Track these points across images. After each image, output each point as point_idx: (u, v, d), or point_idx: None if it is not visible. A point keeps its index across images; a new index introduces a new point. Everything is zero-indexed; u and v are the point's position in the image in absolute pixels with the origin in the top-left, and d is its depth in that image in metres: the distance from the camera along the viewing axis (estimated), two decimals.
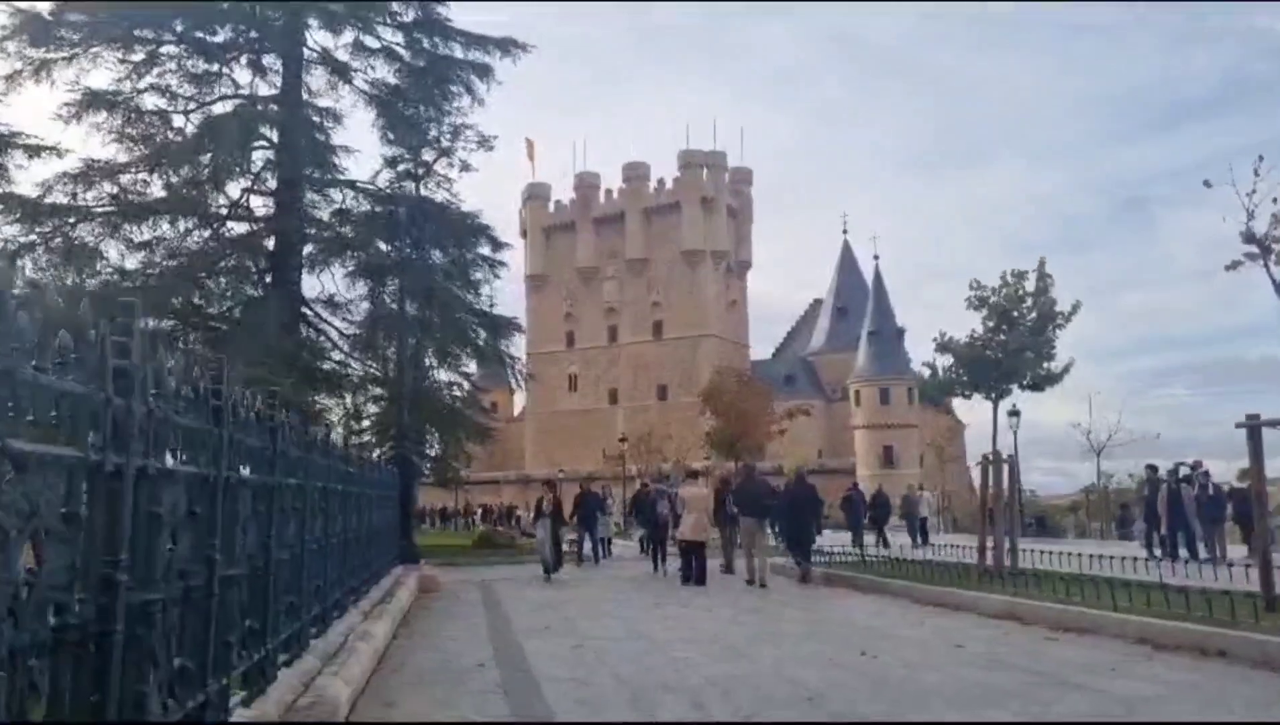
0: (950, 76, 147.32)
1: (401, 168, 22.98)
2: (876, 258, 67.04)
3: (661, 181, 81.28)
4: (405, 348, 14.84)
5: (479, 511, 50.75)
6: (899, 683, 5.53)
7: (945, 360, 13.24)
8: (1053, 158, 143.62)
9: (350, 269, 21.58)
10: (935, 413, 70.76)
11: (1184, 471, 16.64)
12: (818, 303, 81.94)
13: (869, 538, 20.61)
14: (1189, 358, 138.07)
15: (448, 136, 25.04)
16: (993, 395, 11.04)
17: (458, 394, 24.59)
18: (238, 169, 20.03)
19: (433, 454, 26.32)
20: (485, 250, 25.66)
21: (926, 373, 13.35)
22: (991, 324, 17.06)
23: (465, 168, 25.03)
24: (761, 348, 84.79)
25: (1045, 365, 11.30)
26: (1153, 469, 17.24)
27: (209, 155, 19.81)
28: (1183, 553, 15.51)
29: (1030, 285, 11.26)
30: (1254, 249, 11.39)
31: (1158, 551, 15.94)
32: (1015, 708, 4.91)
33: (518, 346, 28.55)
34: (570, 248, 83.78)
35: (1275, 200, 11.86)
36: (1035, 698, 5.10)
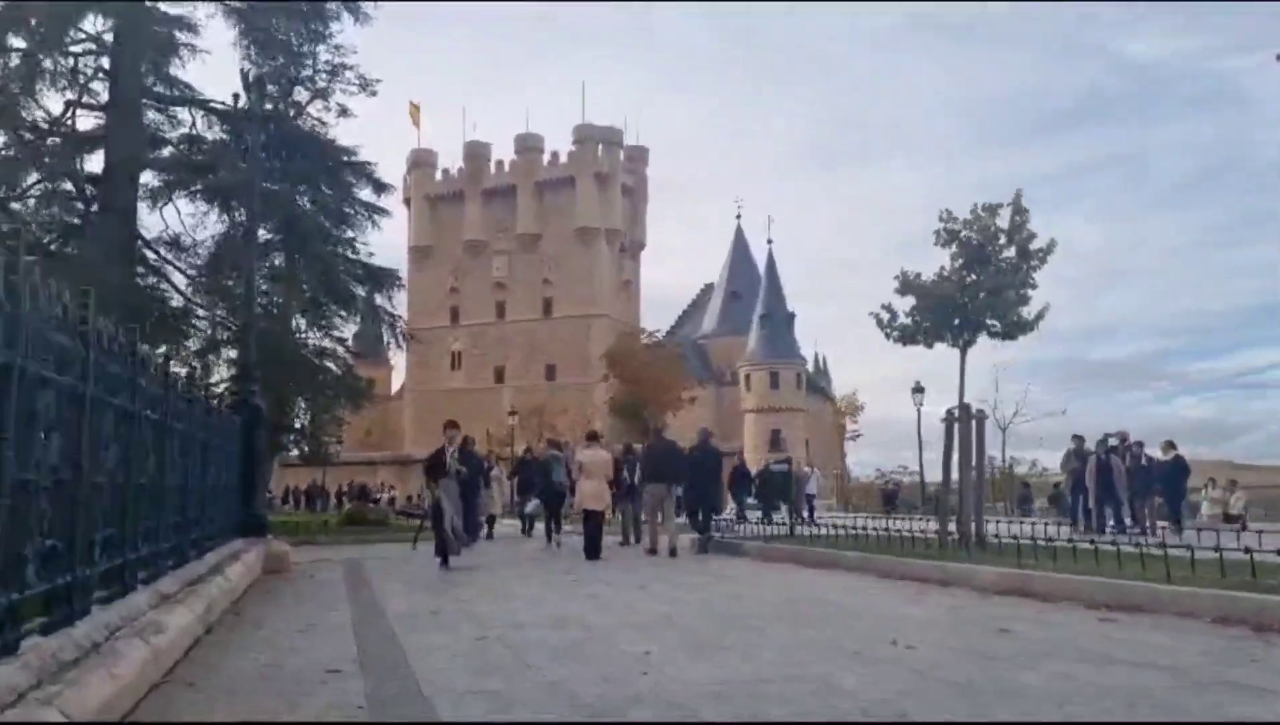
0: (843, 74, 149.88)
1: (269, 90, 19.88)
2: (770, 242, 66.48)
3: (555, 155, 78.49)
4: (253, 275, 12.12)
5: (340, 490, 46.46)
6: (993, 687, 3.65)
7: (906, 303, 11.55)
8: (935, 159, 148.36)
9: (196, 191, 18.34)
10: (821, 399, 71.35)
11: (1112, 442, 15.80)
12: (710, 287, 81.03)
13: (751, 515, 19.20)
14: (1045, 353, 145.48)
15: (324, 75, 22.21)
16: (961, 341, 9.65)
17: (327, 347, 21.64)
18: (57, 67, 16.60)
19: (299, 427, 23.28)
20: (366, 193, 22.92)
21: (884, 317, 11.68)
22: (961, 262, 15.56)
23: (344, 113, 22.21)
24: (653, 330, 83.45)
25: (1019, 310, 9.98)
26: (1079, 440, 16.34)
27: (18, 54, 16.39)
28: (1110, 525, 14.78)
29: (1004, 221, 9.90)
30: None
31: (1081, 526, 15.15)
32: (1198, 714, 3.12)
33: (399, 305, 25.83)
34: (458, 219, 79.99)
35: None
36: (1210, 704, 3.31)
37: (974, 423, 9.85)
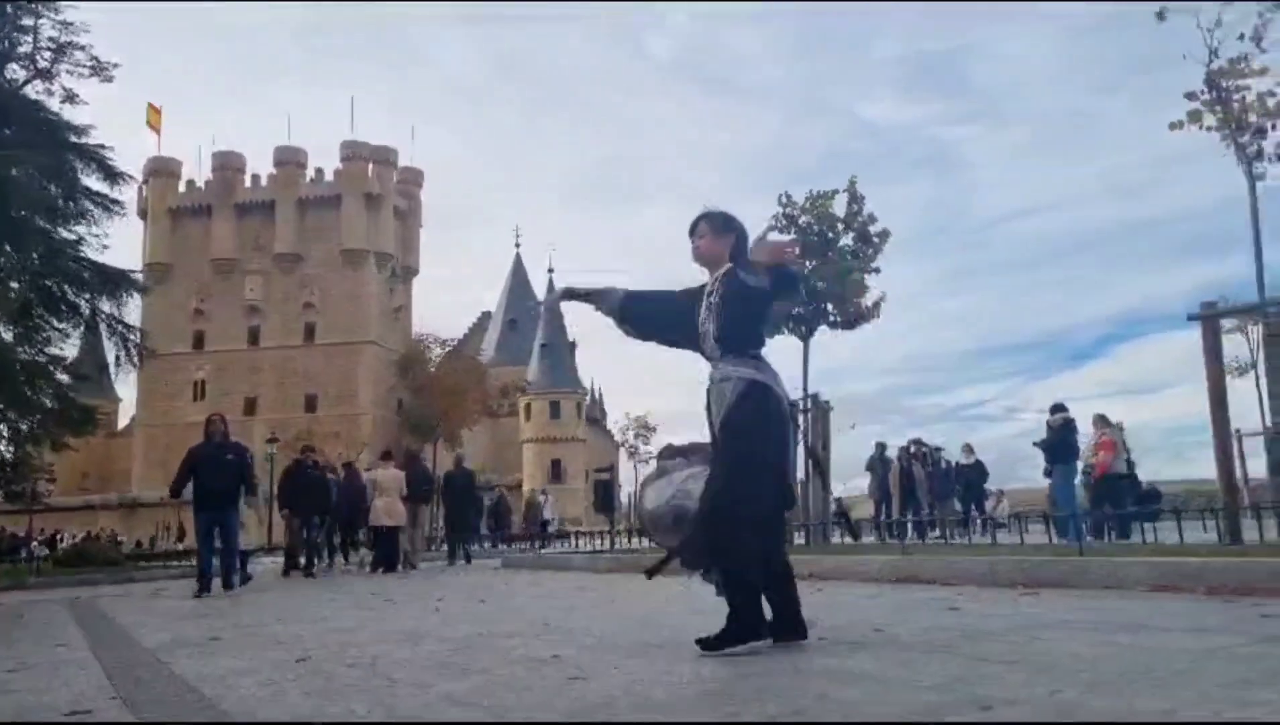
0: (609, 115, 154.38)
1: None
2: (551, 271, 66.02)
3: (320, 171, 73.54)
4: None
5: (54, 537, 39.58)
6: (1059, 666, 2.78)
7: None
8: (694, 203, 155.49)
9: None
10: (600, 431, 71.41)
11: (913, 449, 16.29)
12: (487, 315, 79.12)
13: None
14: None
15: (46, 53, 18.83)
16: (802, 329, 9.29)
17: (38, 359, 17.97)
18: None
19: None
20: (95, 181, 19.49)
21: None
22: (798, 250, 15.90)
23: (70, 98, 18.94)
24: None
25: (857, 300, 9.79)
26: (881, 447, 16.71)
27: None
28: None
29: (841, 208, 9.69)
30: None
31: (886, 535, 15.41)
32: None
33: (133, 313, 22.18)
34: (205, 235, 72.59)
35: None
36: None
37: (822, 414, 9.39)
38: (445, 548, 15.91)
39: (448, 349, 22.93)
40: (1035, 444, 13.16)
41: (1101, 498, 11.92)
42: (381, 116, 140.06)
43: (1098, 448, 11.85)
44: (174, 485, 8.84)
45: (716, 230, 3.52)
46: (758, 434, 3.22)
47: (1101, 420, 12.18)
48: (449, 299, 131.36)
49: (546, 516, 26.40)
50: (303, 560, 11.98)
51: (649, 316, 3.69)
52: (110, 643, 4.86)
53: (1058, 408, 12.28)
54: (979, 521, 12.36)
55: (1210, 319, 6.09)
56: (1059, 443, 11.96)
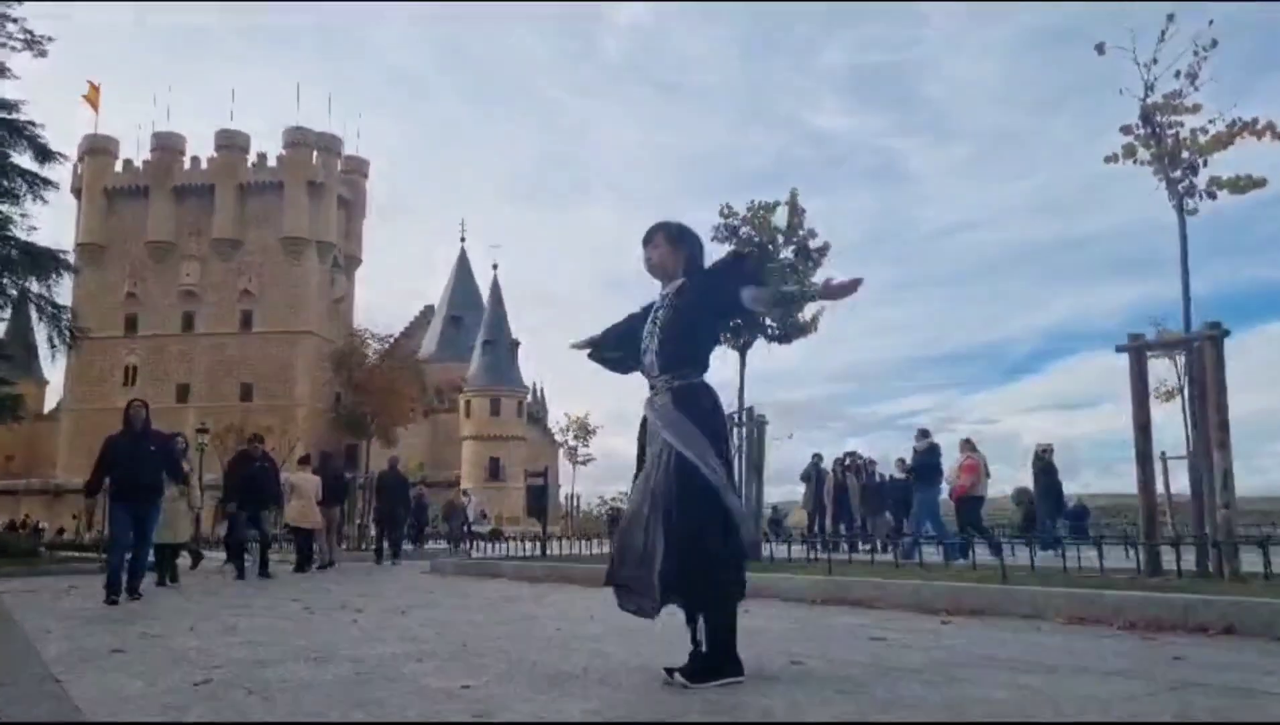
0: (556, 113, 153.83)
1: None
2: (495, 267, 65.40)
3: (263, 156, 71.79)
4: None
5: None
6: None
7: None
8: (640, 206, 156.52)
9: None
10: (540, 429, 70.98)
11: (848, 461, 16.46)
12: (430, 309, 78.08)
13: None
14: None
15: None
16: (740, 342, 9.25)
17: None
18: None
19: None
20: (26, 159, 18.77)
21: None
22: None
23: (1, 73, 18.26)
24: None
25: (796, 315, 9.82)
26: (818, 458, 16.86)
27: None
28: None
29: (781, 220, 9.67)
30: None
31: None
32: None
33: (64, 295, 21.38)
34: (140, 217, 70.35)
35: None
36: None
37: (756, 428, 9.39)
38: (374, 547, 16.22)
39: (386, 345, 22.26)
40: (900, 466, 13.93)
41: (962, 517, 12.41)
42: (327, 104, 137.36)
43: (961, 470, 12.34)
44: (91, 482, 7.90)
45: (673, 241, 3.41)
46: (708, 448, 3.11)
47: (967, 444, 12.80)
48: (392, 291, 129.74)
49: (470, 517, 26.33)
50: (247, 560, 11.29)
51: (613, 342, 3.59)
52: (5, 654, 4.59)
53: (923, 433, 12.94)
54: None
55: (1137, 351, 6.22)
56: (923, 466, 12.68)
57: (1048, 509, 13.82)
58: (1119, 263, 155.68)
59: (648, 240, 3.46)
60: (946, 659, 3.70)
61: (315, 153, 71.48)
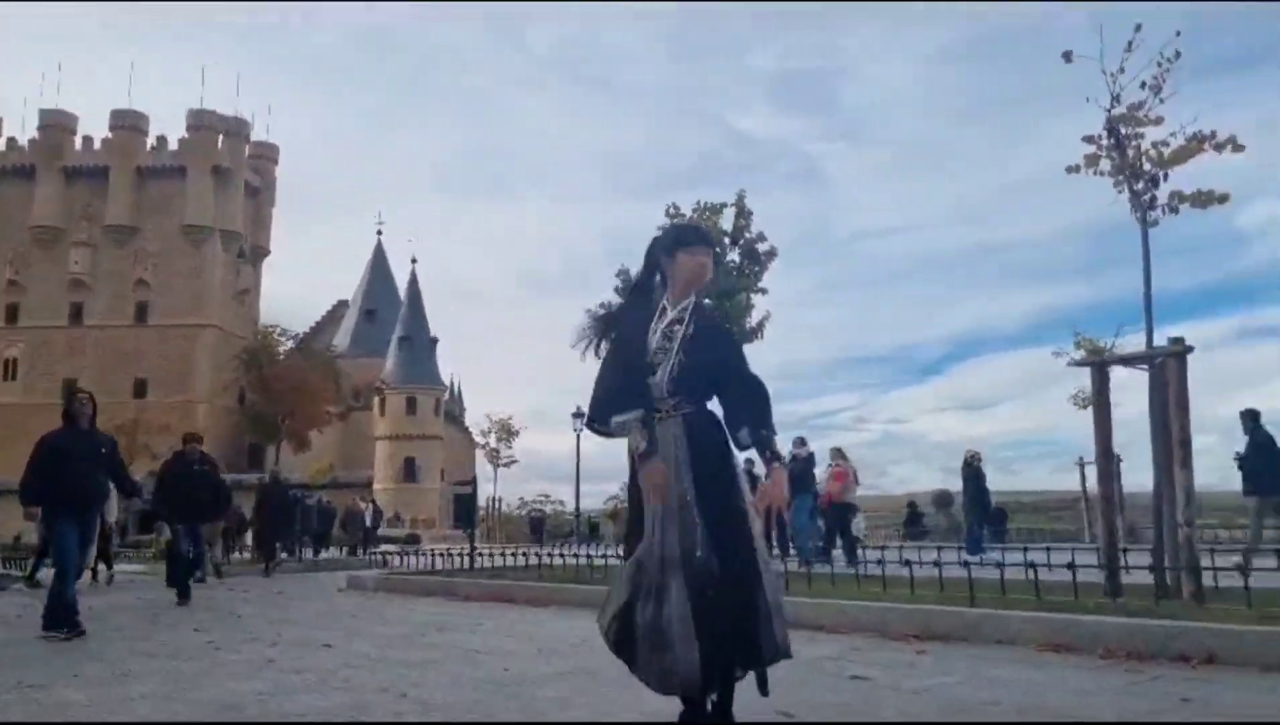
0: (482, 106, 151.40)
1: None
2: (414, 261, 63.57)
3: (163, 139, 68.18)
4: None
5: None
6: None
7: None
8: (566, 202, 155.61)
9: None
10: (459, 429, 69.53)
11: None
12: (343, 303, 75.53)
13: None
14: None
15: None
16: None
17: None
18: None
19: None
20: None
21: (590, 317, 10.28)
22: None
23: None
24: None
25: (744, 318, 9.52)
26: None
27: None
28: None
29: (728, 222, 9.38)
30: None
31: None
32: None
33: None
34: (25, 200, 65.95)
35: None
36: None
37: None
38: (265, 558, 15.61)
39: (298, 343, 20.87)
40: None
41: (830, 523, 12.61)
42: (235, 86, 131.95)
43: (831, 478, 12.51)
44: (32, 488, 6.44)
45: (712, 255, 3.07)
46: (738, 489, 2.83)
47: (838, 453, 13.02)
48: (303, 284, 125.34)
49: (367, 522, 26.32)
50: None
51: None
52: None
53: (800, 441, 13.06)
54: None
55: (1100, 367, 6.10)
56: (799, 474, 12.76)
57: (976, 515, 13.95)
58: (1025, 270, 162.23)
59: (707, 244, 3.08)
60: (948, 705, 3.39)
61: (221, 136, 68.28)
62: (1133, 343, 6.79)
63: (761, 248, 9.66)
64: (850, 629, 5.57)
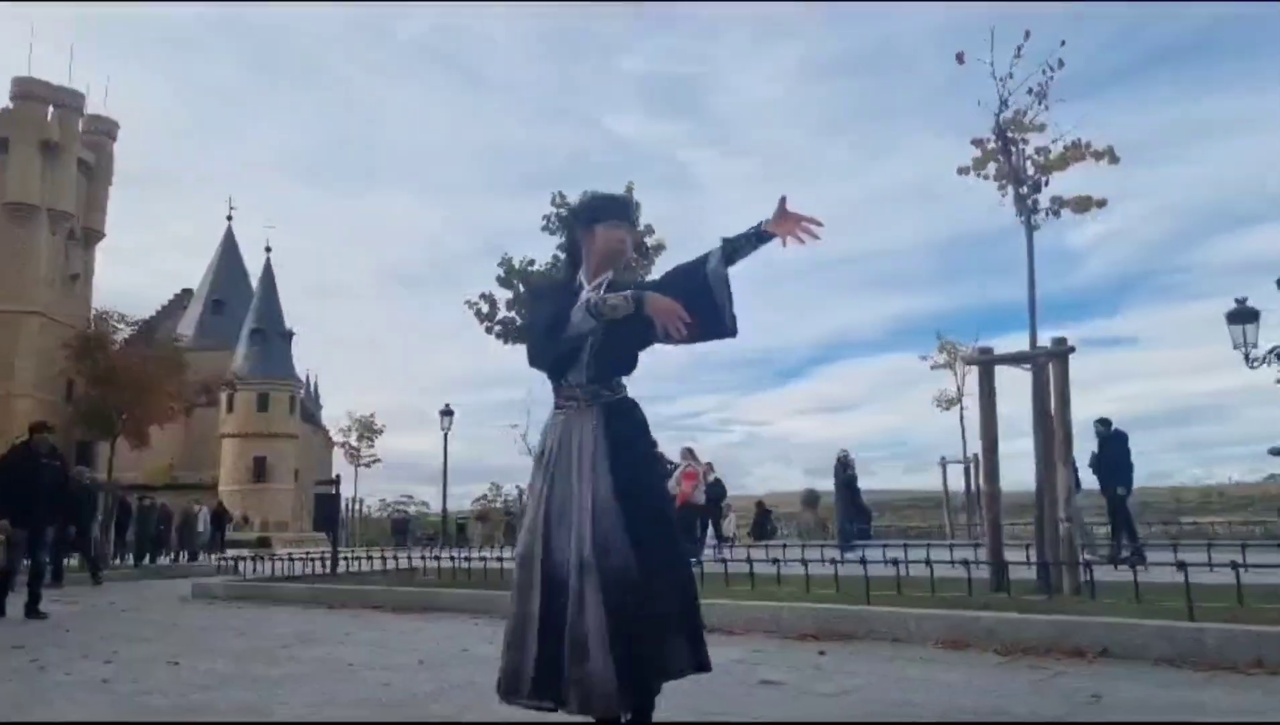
0: (350, 89, 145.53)
1: None
2: (269, 250, 60.17)
3: None
4: None
5: None
6: None
7: (505, 294, 9.57)
8: (436, 196, 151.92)
9: None
10: (314, 427, 66.40)
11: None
12: (188, 292, 70.74)
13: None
14: (511, 396, 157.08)
15: None
16: None
17: None
18: None
19: None
20: None
21: (484, 308, 9.45)
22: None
23: None
24: None
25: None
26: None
27: None
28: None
29: None
30: None
31: None
32: None
33: None
34: None
35: None
36: None
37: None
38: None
39: (135, 331, 19.04)
40: None
41: (684, 524, 12.88)
42: (68, 55, 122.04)
43: (682, 478, 12.79)
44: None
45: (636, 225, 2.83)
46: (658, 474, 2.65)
47: (689, 453, 13.32)
48: (143, 271, 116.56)
49: (200, 527, 25.95)
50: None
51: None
52: None
53: (688, 452, 13.12)
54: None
55: (987, 365, 6.21)
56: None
57: (849, 514, 14.31)
58: (883, 278, 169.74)
59: (628, 218, 2.80)
60: (869, 710, 3.25)
61: (51, 109, 62.61)
62: (1003, 346, 6.96)
63: (650, 241, 9.46)
64: (747, 629, 5.42)
